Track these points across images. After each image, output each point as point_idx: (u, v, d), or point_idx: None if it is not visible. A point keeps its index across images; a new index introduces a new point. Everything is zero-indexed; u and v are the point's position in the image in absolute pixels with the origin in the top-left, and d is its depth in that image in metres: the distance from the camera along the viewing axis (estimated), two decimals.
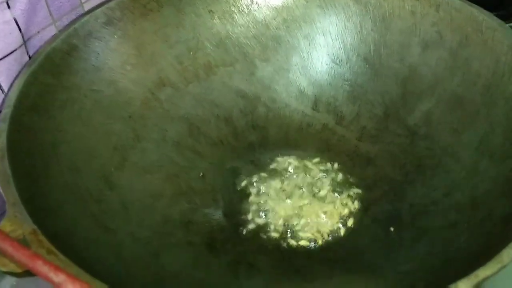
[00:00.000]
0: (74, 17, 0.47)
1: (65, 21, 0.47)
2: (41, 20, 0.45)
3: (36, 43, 0.45)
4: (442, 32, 0.44)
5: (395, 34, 0.47)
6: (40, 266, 0.23)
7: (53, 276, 0.22)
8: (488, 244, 0.31)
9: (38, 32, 0.45)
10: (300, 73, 0.50)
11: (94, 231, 0.35)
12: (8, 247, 0.24)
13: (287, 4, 0.50)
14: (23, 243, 0.28)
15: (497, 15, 0.53)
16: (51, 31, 0.46)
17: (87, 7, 0.49)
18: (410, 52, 0.46)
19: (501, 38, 0.40)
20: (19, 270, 0.26)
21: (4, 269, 0.27)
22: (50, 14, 0.46)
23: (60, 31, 0.43)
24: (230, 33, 0.50)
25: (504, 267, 0.26)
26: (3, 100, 0.39)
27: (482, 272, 0.25)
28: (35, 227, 0.29)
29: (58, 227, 0.32)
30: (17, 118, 0.36)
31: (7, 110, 0.36)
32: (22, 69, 0.40)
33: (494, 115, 0.39)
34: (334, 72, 0.49)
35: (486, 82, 0.41)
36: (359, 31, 0.48)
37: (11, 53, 0.42)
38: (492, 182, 0.36)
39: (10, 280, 0.41)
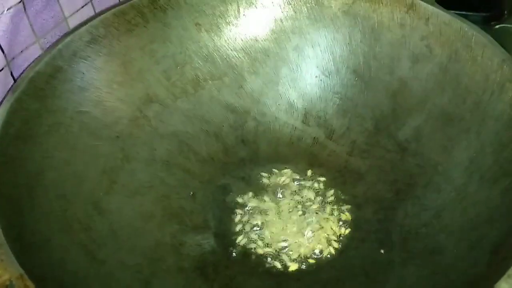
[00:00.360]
0: (58, 33, 0.47)
1: (49, 38, 0.46)
2: (24, 39, 0.45)
3: (20, 63, 0.44)
4: (432, 46, 0.44)
5: (384, 47, 0.46)
6: None
7: None
8: (477, 275, 0.31)
9: (22, 51, 0.45)
10: (289, 85, 0.50)
11: (83, 263, 0.35)
12: None
13: (276, 15, 0.49)
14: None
15: (485, 17, 0.53)
16: (35, 49, 0.46)
17: (71, 21, 0.48)
18: (400, 66, 0.46)
19: (490, 55, 0.40)
20: None
21: None
22: (34, 32, 0.45)
23: (44, 53, 0.42)
24: (218, 45, 0.49)
25: None
26: None
27: None
28: (22, 271, 0.28)
29: (46, 264, 0.32)
30: (2, 150, 0.35)
31: None
32: (5, 95, 0.39)
33: (484, 133, 0.39)
34: (324, 85, 0.49)
35: (476, 99, 0.40)
36: (348, 43, 0.48)
37: None
38: (482, 206, 0.36)
39: None
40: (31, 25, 0.45)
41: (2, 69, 0.43)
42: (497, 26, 0.63)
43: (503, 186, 0.35)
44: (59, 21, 0.47)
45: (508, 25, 0.64)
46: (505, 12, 0.61)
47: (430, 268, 0.36)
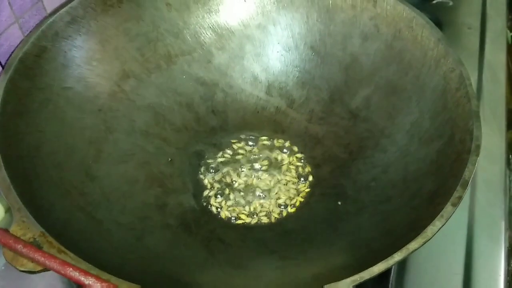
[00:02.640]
0: (35, 12, 0.50)
1: (27, 17, 0.49)
2: (5, 19, 0.47)
3: (2, 42, 0.47)
4: (379, 26, 0.50)
5: (338, 25, 0.52)
6: (71, 272, 0.27)
7: (84, 279, 0.27)
8: (417, 218, 0.38)
9: (3, 31, 0.47)
10: (253, 60, 0.55)
11: (84, 223, 0.40)
12: (41, 258, 0.28)
13: None
14: (35, 244, 0.32)
15: None
16: (15, 29, 0.48)
17: (46, 1, 0.51)
18: (352, 42, 0.52)
19: (428, 35, 0.47)
20: (37, 269, 0.31)
21: (22, 269, 0.31)
22: (13, 13, 0.48)
23: (29, 34, 0.45)
24: (187, 24, 0.54)
25: (428, 240, 0.33)
26: None
27: (412, 246, 0.33)
28: (42, 229, 0.33)
29: (56, 225, 0.36)
30: (4, 126, 0.39)
31: None
32: None
33: (423, 102, 0.46)
34: (285, 59, 0.54)
35: (416, 72, 0.47)
36: (305, 22, 0.53)
37: None
38: (420, 162, 0.43)
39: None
40: (10, 5, 0.48)
41: None
42: (434, 2, 0.71)
43: (438, 146, 0.43)
44: (35, 1, 0.50)
45: (444, 1, 0.72)
46: None
47: (380, 215, 0.43)
